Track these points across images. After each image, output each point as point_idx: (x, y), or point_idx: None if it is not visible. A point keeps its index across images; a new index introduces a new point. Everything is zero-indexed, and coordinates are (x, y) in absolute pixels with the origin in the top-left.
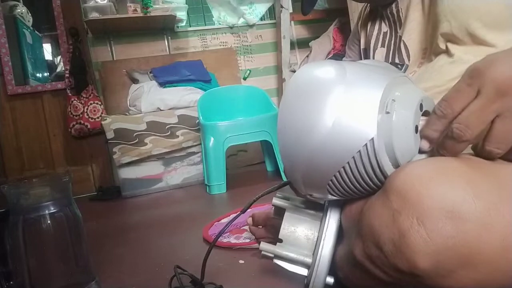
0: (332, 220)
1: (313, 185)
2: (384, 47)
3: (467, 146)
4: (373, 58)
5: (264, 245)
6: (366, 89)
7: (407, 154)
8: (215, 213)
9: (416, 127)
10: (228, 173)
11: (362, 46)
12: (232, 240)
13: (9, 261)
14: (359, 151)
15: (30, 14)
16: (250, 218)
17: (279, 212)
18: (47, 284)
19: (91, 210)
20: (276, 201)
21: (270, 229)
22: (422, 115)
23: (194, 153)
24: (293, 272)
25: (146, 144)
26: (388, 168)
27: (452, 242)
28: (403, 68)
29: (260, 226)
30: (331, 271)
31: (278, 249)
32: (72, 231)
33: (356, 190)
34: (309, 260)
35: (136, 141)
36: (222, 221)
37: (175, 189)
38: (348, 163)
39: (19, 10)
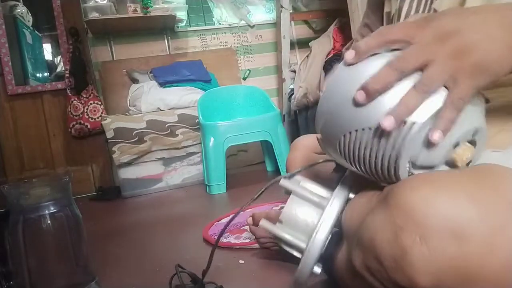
0: (331, 213)
1: (332, 126)
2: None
3: (399, 77)
4: None
5: (264, 222)
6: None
7: (429, 162)
8: (215, 213)
9: (457, 144)
10: (228, 173)
11: (386, 9)
12: (232, 240)
13: (9, 261)
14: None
15: (30, 14)
16: (250, 218)
17: (287, 192)
18: (47, 284)
19: (91, 210)
20: (284, 182)
21: None
22: (469, 142)
23: (194, 153)
24: (290, 253)
25: (145, 141)
26: (403, 164)
27: (455, 263)
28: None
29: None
30: (326, 268)
31: (276, 229)
32: (72, 231)
33: (359, 161)
34: (303, 245)
35: (135, 139)
36: (222, 221)
37: (175, 189)
38: (377, 128)
39: (19, 10)
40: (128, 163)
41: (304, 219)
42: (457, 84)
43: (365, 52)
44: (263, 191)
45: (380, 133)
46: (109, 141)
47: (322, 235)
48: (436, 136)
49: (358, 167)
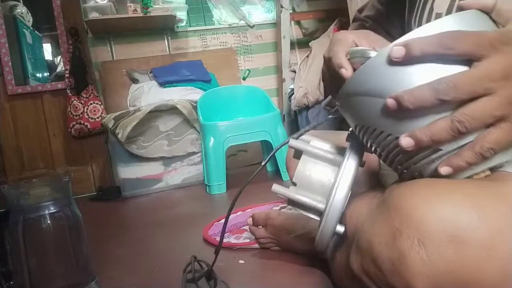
0: (348, 168)
1: (354, 112)
2: None
3: (437, 104)
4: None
5: (276, 187)
6: None
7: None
8: (215, 213)
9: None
10: (228, 173)
11: None
12: (232, 240)
13: (9, 261)
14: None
15: (30, 14)
16: (250, 218)
17: (297, 154)
18: (47, 284)
19: (91, 210)
20: (293, 143)
21: (270, 229)
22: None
23: (194, 153)
24: (307, 216)
25: (140, 110)
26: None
27: (452, 267)
28: None
29: (260, 226)
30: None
31: (290, 192)
32: (72, 231)
33: (370, 146)
34: (322, 206)
35: (132, 113)
36: (222, 221)
37: (175, 189)
38: (390, 135)
39: (19, 10)
40: (128, 164)
41: (319, 179)
42: (499, 130)
43: (416, 57)
44: (270, 157)
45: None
46: (111, 128)
47: (342, 191)
48: (443, 170)
49: (371, 150)
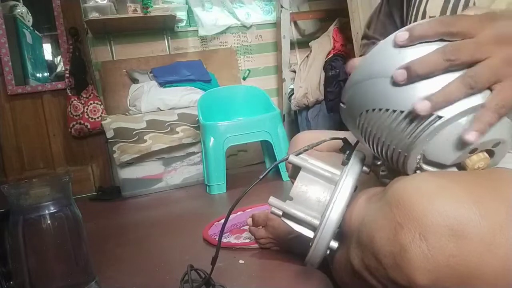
0: (346, 185)
1: (358, 98)
2: None
3: (446, 67)
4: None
5: (273, 200)
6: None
7: (440, 159)
8: (215, 213)
9: (473, 151)
10: (228, 173)
11: None
12: (232, 240)
13: (9, 261)
14: (419, 115)
15: (30, 14)
16: (250, 219)
17: (295, 171)
18: (47, 284)
19: (91, 210)
20: (293, 159)
21: (270, 229)
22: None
23: (194, 153)
24: (300, 232)
25: (145, 141)
26: (414, 154)
27: (453, 261)
28: None
29: (260, 227)
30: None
31: (286, 206)
32: (72, 231)
33: (374, 141)
34: (316, 222)
35: (135, 138)
36: (222, 221)
37: (175, 189)
38: (402, 112)
39: (19, 10)
40: (129, 163)
41: (316, 195)
42: (504, 90)
43: (419, 38)
44: (269, 171)
45: (404, 118)
46: (109, 141)
47: (338, 208)
48: (471, 136)
49: (370, 145)
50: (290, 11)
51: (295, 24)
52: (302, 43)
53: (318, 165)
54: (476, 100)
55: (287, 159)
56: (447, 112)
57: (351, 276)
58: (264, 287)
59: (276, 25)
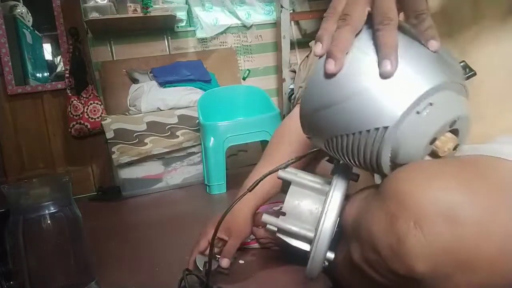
0: (336, 195)
1: (315, 132)
2: None
3: (336, 19)
4: None
5: (266, 217)
6: (415, 75)
7: (409, 158)
8: (215, 213)
9: (434, 139)
10: (228, 173)
11: None
12: None
13: (9, 261)
14: (369, 130)
15: (30, 14)
16: None
17: (286, 186)
18: (47, 284)
19: (91, 210)
20: (282, 174)
21: None
22: (450, 131)
23: (194, 153)
24: (296, 247)
25: (146, 144)
26: (385, 162)
27: (450, 247)
28: (468, 75)
29: (260, 226)
30: (332, 247)
31: (280, 222)
32: (72, 231)
33: (348, 158)
34: (311, 234)
35: (136, 141)
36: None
37: (175, 189)
38: (354, 134)
39: (19, 10)
40: (128, 164)
41: (307, 208)
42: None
43: (342, 57)
44: (257, 183)
45: (360, 137)
46: (109, 141)
47: (331, 218)
48: (433, 45)
49: (348, 162)
50: (290, 11)
51: (297, 24)
52: (302, 43)
53: (307, 178)
54: (409, 100)
55: (276, 171)
56: (389, 121)
57: (351, 271)
58: (264, 287)
59: (276, 25)
